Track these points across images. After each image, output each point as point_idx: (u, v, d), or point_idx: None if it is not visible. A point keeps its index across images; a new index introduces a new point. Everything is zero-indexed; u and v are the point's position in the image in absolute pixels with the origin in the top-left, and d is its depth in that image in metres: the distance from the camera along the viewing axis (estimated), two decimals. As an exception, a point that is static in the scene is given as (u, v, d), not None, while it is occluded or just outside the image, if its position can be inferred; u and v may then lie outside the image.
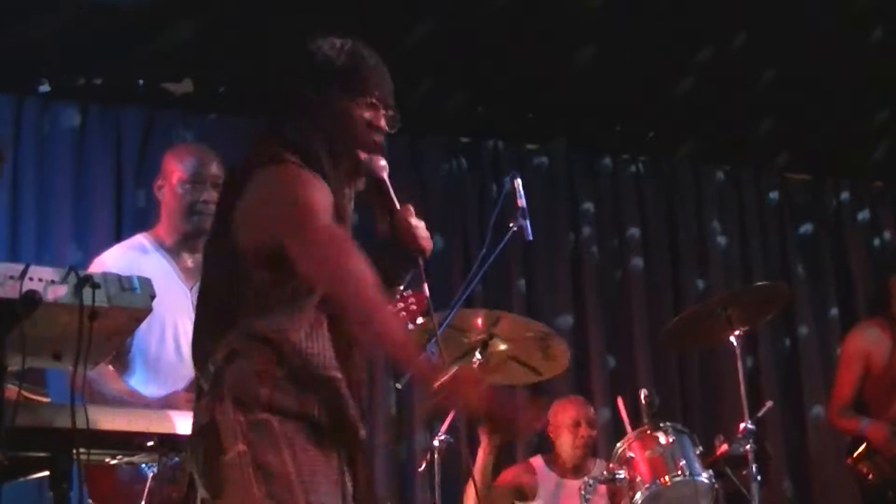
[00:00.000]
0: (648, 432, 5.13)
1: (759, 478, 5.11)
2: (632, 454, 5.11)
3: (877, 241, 8.15)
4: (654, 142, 7.54)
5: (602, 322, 7.23)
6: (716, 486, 5.14)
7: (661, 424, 5.14)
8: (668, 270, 7.51)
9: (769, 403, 6.06)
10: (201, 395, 2.77)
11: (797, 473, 7.34)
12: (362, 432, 2.79)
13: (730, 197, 7.85)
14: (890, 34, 6.33)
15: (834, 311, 7.82)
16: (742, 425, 5.18)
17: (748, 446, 5.14)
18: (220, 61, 6.32)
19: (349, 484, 2.78)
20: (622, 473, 5.06)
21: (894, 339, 5.60)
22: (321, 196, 2.72)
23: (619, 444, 5.20)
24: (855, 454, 5.55)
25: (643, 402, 5.36)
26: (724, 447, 5.59)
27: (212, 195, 4.14)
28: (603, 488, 5.36)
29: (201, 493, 2.73)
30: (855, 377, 5.68)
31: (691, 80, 6.66)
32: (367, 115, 2.86)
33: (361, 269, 2.62)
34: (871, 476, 5.42)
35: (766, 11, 6.15)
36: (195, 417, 2.77)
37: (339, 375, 2.75)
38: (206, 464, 2.69)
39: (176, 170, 4.25)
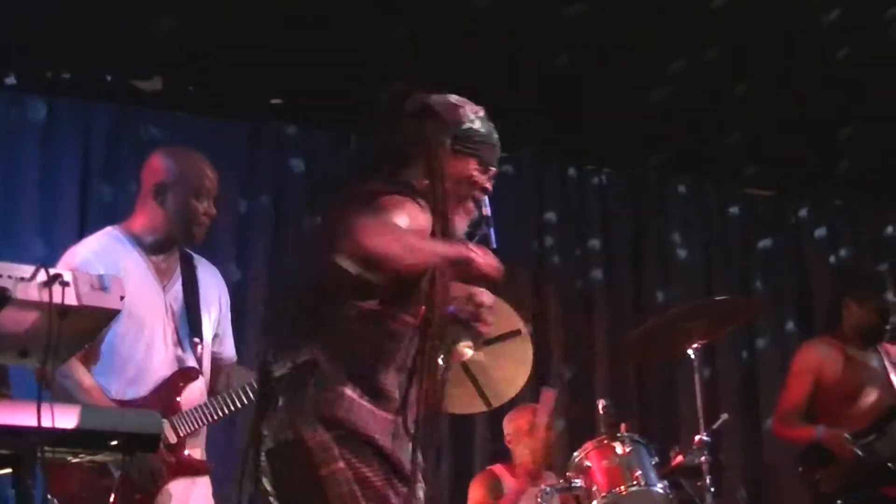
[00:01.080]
0: (606, 442, 5.20)
1: (713, 489, 5.17)
2: (589, 463, 5.16)
3: (833, 258, 8.25)
4: (620, 152, 7.59)
5: (562, 331, 7.27)
6: (671, 496, 5.20)
7: (619, 434, 5.19)
8: (630, 281, 7.57)
9: (725, 416, 6.11)
10: (269, 403, 2.96)
11: (752, 484, 7.41)
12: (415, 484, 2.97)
13: (693, 210, 7.92)
14: (855, 54, 6.40)
15: (791, 326, 7.91)
16: (698, 437, 5.24)
17: (703, 458, 5.20)
18: (190, 60, 6.32)
19: None
20: (579, 482, 5.11)
21: (845, 356, 5.66)
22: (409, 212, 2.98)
23: (575, 454, 5.25)
24: (809, 464, 5.60)
25: (601, 412, 5.42)
26: (680, 458, 5.65)
27: (211, 208, 4.32)
28: (559, 497, 5.40)
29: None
30: (805, 389, 5.71)
31: (660, 92, 6.69)
32: (481, 177, 3.20)
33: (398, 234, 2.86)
34: (824, 486, 5.47)
35: (738, 27, 6.21)
36: (271, 430, 2.93)
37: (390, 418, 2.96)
38: (290, 480, 2.91)
39: (185, 176, 4.30)
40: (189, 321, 4.28)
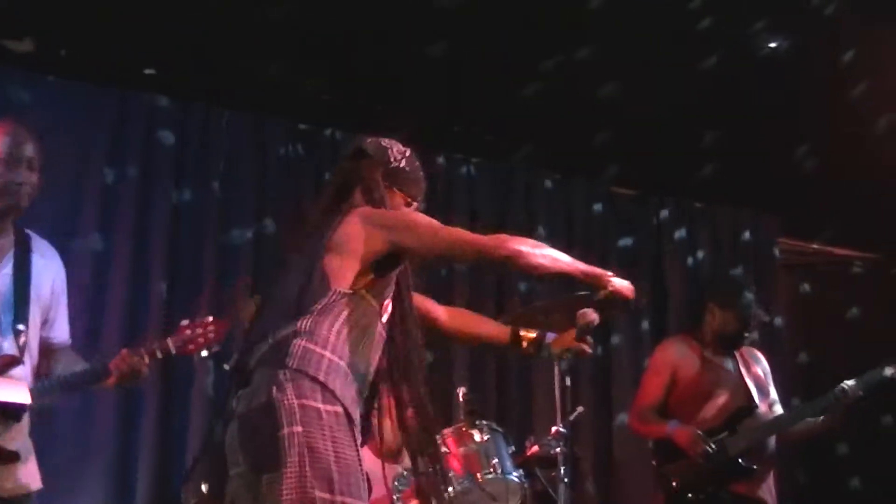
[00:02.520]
0: (464, 429, 5.23)
1: (566, 479, 5.27)
2: (447, 449, 5.20)
3: (691, 260, 8.43)
4: (489, 144, 7.65)
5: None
6: (526, 485, 5.27)
7: (477, 422, 5.24)
8: (492, 271, 7.62)
9: (580, 409, 6.23)
10: (249, 372, 3.33)
11: (601, 476, 7.54)
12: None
13: (558, 204, 8.01)
14: (723, 62, 6.55)
15: (646, 324, 8.06)
16: (554, 428, 5.32)
17: (558, 448, 5.29)
18: (64, 23, 6.16)
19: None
20: (436, 467, 5.15)
21: (702, 358, 5.78)
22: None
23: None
24: (660, 458, 5.71)
25: (461, 399, 5.47)
26: (536, 448, 5.74)
27: (28, 176, 4.28)
28: (413, 481, 5.43)
29: (236, 467, 3.27)
30: (661, 385, 5.80)
31: (532, 87, 6.76)
32: (405, 210, 3.76)
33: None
34: (674, 481, 5.60)
35: (611, 29, 6.29)
36: (244, 401, 3.30)
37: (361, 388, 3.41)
38: (256, 439, 3.19)
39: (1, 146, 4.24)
40: (15, 308, 4.24)
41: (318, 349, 3.28)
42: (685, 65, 6.59)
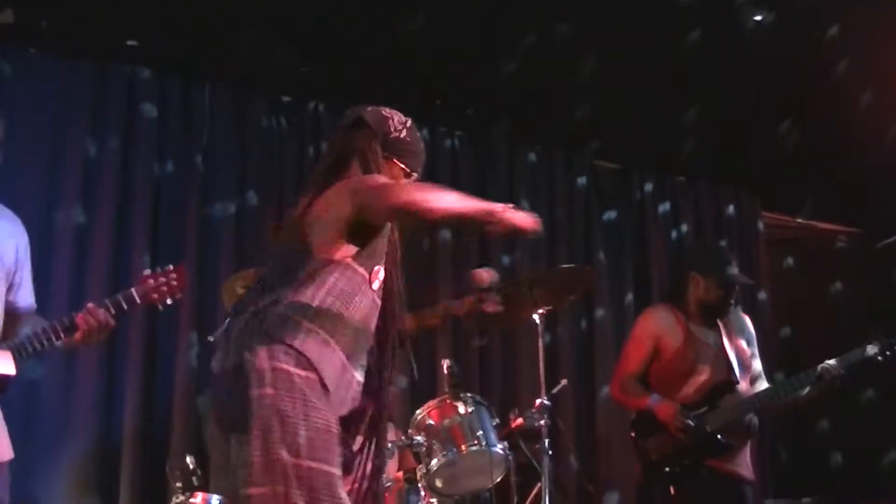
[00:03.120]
0: (448, 402, 5.24)
1: (550, 452, 5.28)
2: (431, 421, 5.21)
3: (675, 234, 8.45)
4: (472, 118, 7.64)
5: (406, 290, 7.25)
6: (509, 457, 5.28)
7: (461, 395, 5.25)
8: (476, 244, 7.62)
9: (564, 381, 6.24)
10: (231, 337, 3.32)
11: (584, 449, 7.56)
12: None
13: (541, 178, 8.02)
14: (705, 37, 6.54)
15: (630, 297, 8.08)
16: (538, 401, 5.33)
17: (542, 421, 5.30)
18: (46, -6, 6.16)
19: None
20: (420, 439, 5.16)
21: (686, 330, 5.75)
22: None
23: (418, 411, 5.28)
24: (639, 431, 5.72)
25: (445, 372, 5.46)
26: (519, 421, 5.75)
27: None
28: (397, 453, 5.45)
29: (210, 428, 3.31)
30: (644, 355, 5.77)
31: (514, 62, 6.75)
32: (405, 181, 3.67)
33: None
34: (653, 454, 5.61)
35: (591, 3, 6.30)
36: (223, 358, 3.30)
37: (345, 359, 3.33)
38: (229, 400, 3.20)
39: None
40: None
41: (296, 317, 3.26)
42: (669, 38, 6.58)
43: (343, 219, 3.37)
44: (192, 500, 5.25)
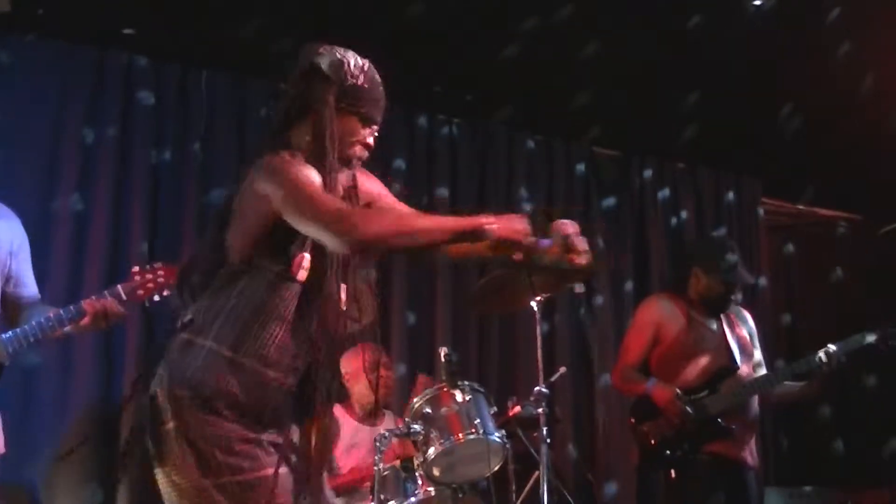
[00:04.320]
0: (446, 390, 5.22)
1: (548, 440, 5.26)
2: (428, 410, 5.19)
3: (674, 221, 8.43)
4: (470, 105, 7.61)
5: (405, 278, 7.28)
6: (507, 445, 5.26)
7: (459, 383, 5.22)
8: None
9: (562, 369, 6.23)
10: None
11: (582, 438, 7.55)
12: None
13: (540, 165, 8.00)
14: (706, 21, 6.50)
15: (629, 285, 8.06)
16: (536, 389, 5.31)
17: (540, 409, 5.28)
18: (41, -20, 6.13)
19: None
20: (417, 428, 5.14)
21: (688, 317, 5.74)
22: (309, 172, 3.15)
23: (415, 399, 5.26)
24: (637, 415, 5.71)
25: (442, 359, 5.44)
26: (517, 409, 5.74)
27: None
28: (394, 441, 5.43)
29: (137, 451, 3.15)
30: (644, 343, 5.78)
31: (513, 47, 6.71)
32: (364, 131, 3.34)
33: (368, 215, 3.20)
34: (652, 439, 5.60)
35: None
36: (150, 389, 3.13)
37: (262, 368, 3.10)
38: (150, 432, 3.07)
39: None
40: None
41: (198, 340, 3.08)
42: (669, 23, 6.54)
43: (264, 219, 3.10)
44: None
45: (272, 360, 3.11)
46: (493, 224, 3.16)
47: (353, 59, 3.36)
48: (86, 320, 4.28)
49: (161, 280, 4.49)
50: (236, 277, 3.12)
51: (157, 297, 4.52)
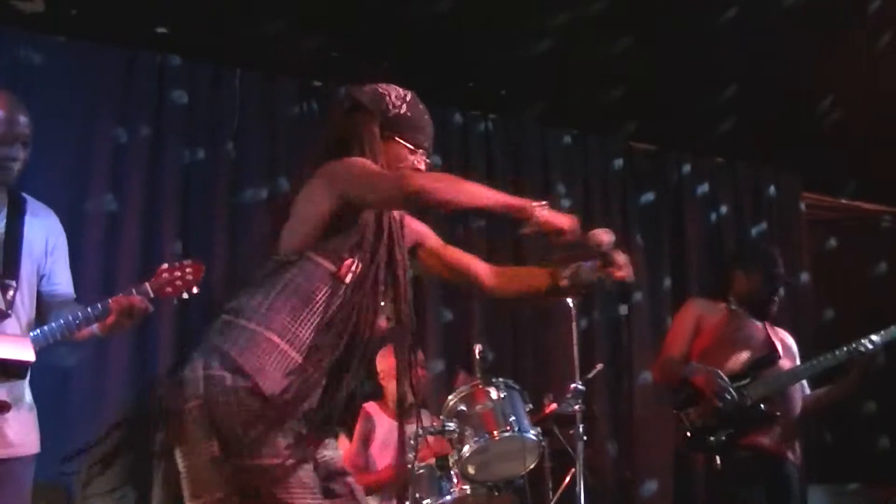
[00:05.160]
0: (480, 387, 5.19)
1: (584, 438, 5.21)
2: (463, 407, 5.15)
3: (713, 216, 8.35)
4: (505, 101, 7.56)
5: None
6: (542, 443, 5.23)
7: (493, 380, 5.19)
8: (510, 229, 7.56)
9: (599, 366, 6.17)
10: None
11: (620, 435, 7.49)
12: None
13: (576, 161, 7.95)
14: (742, 13, 6.43)
15: (667, 282, 8.00)
16: (572, 385, 5.26)
17: (576, 406, 5.23)
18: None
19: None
20: (452, 426, 5.10)
21: (730, 311, 5.68)
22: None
23: (450, 397, 5.24)
24: (678, 400, 5.64)
25: (477, 356, 5.41)
26: (553, 406, 5.69)
27: (21, 153, 4.33)
28: (430, 439, 5.40)
29: (161, 436, 3.16)
30: (685, 337, 5.70)
31: (547, 42, 6.67)
32: (412, 157, 3.46)
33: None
34: (696, 423, 5.52)
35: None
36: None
37: (300, 357, 3.13)
38: (171, 412, 3.08)
39: None
40: (4, 264, 4.28)
41: (240, 321, 3.13)
42: (704, 16, 6.47)
43: (321, 214, 3.20)
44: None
45: (310, 352, 3.15)
46: (543, 209, 3.16)
47: (395, 92, 3.50)
48: (111, 318, 4.25)
49: (190, 278, 4.47)
50: (286, 268, 3.20)
51: (185, 295, 4.48)
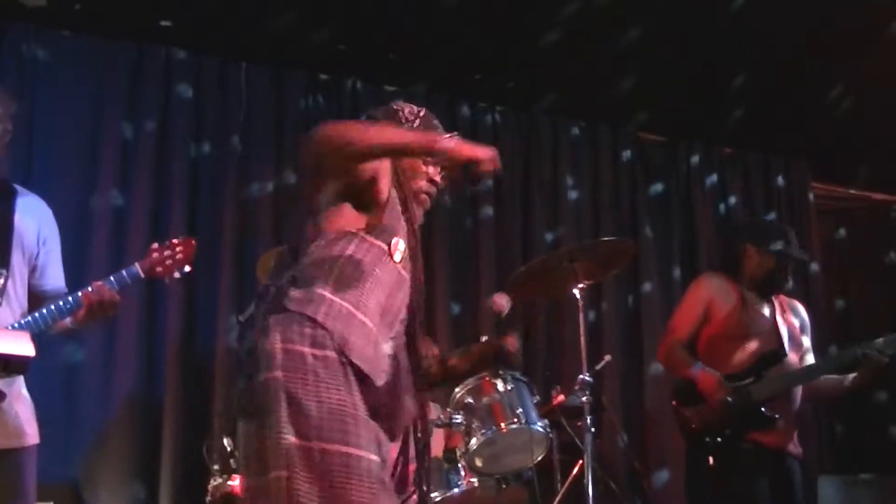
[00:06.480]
0: (488, 379, 5.16)
1: (593, 429, 5.18)
2: (470, 400, 5.13)
3: (722, 206, 8.33)
4: (513, 92, 7.54)
5: (449, 268, 7.23)
6: (550, 435, 5.20)
7: (501, 372, 5.15)
8: (519, 221, 7.55)
9: (608, 357, 6.15)
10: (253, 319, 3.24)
11: (632, 427, 7.46)
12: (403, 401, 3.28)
13: (585, 152, 7.92)
14: (751, 4, 6.39)
15: (677, 272, 7.97)
16: (580, 377, 5.23)
17: (584, 398, 5.20)
18: (77, -24, 6.13)
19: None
20: (459, 418, 5.08)
21: (741, 299, 5.63)
22: None
23: (457, 389, 5.21)
24: (680, 400, 5.60)
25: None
26: (561, 397, 5.67)
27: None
28: (439, 432, 5.37)
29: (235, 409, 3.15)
30: (693, 319, 5.65)
31: (555, 34, 6.64)
32: (427, 168, 3.54)
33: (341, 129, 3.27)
34: (694, 424, 5.49)
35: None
36: (243, 341, 3.22)
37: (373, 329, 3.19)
38: (244, 385, 3.08)
39: None
40: None
41: (317, 289, 3.13)
42: (714, 4, 6.43)
43: (336, 182, 3.27)
44: (230, 482, 5.22)
45: (377, 328, 3.21)
46: (450, 140, 3.15)
47: (408, 108, 3.62)
48: (82, 311, 4.20)
49: (180, 256, 4.40)
50: (342, 242, 3.25)
51: (177, 274, 4.42)
